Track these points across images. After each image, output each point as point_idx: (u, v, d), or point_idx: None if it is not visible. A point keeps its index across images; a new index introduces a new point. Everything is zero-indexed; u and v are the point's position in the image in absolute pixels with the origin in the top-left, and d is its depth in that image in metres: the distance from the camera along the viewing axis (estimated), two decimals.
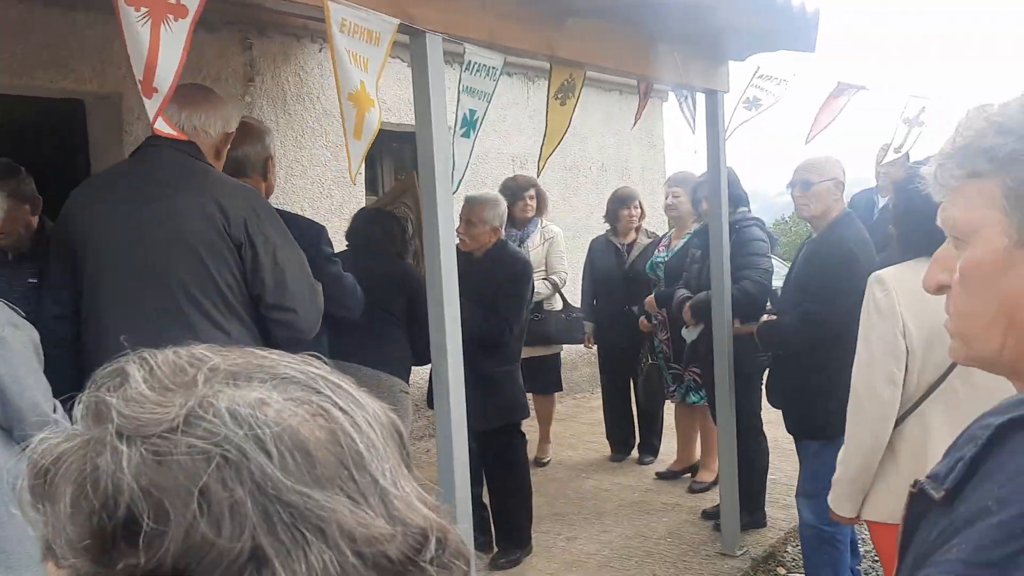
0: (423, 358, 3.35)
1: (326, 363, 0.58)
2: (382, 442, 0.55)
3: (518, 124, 7.00)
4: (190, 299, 2.34)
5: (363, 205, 5.75)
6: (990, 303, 0.86)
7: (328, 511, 0.49)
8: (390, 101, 5.38)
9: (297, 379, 0.55)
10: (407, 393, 3.67)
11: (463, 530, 2.24)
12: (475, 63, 2.90)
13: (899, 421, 2.36)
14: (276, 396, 0.52)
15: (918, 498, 0.79)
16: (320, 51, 5.47)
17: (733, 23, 3.67)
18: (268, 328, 2.50)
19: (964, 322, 0.90)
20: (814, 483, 3.32)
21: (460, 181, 3.00)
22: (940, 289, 0.93)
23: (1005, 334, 0.86)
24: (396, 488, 0.53)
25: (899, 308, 2.30)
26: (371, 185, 6.05)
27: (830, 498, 2.56)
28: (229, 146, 2.62)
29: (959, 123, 0.91)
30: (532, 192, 5.51)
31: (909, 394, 2.34)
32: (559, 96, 3.38)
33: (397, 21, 2.47)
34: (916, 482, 0.79)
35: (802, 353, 3.49)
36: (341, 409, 0.54)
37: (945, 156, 0.90)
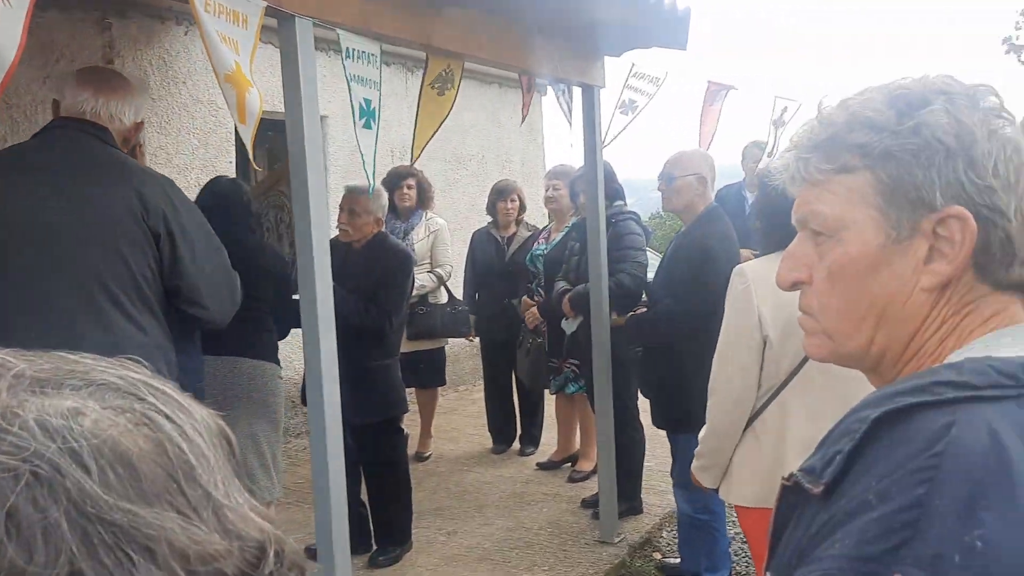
0: (285, 332, 3.40)
1: (146, 367, 0.53)
2: (212, 451, 0.51)
3: (397, 114, 6.90)
4: (105, 291, 2.25)
5: None
6: (862, 300, 0.86)
7: (156, 529, 0.45)
8: (263, 88, 5.22)
9: (116, 385, 0.50)
10: (282, 378, 3.63)
11: (338, 529, 2.17)
12: (355, 50, 2.82)
13: (761, 408, 2.45)
14: (93, 404, 0.47)
15: (792, 491, 0.79)
16: (186, 34, 5.22)
17: (606, 18, 3.71)
18: (178, 318, 2.45)
19: (832, 319, 0.89)
20: (687, 474, 3.43)
21: (374, 175, 2.94)
22: (795, 286, 0.91)
23: (874, 331, 0.86)
24: (229, 500, 0.49)
25: (756, 300, 2.38)
26: (243, 174, 5.83)
27: (692, 465, 2.67)
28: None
29: (818, 116, 0.91)
30: (411, 181, 5.44)
31: (770, 383, 2.43)
32: (435, 86, 3.34)
33: (264, 3, 2.37)
34: (791, 475, 0.79)
35: (665, 347, 3.57)
36: (167, 417, 0.49)
37: (807, 150, 0.89)
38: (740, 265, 2.49)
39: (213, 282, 2.45)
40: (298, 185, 2.57)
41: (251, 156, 2.36)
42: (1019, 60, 21.97)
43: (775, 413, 2.42)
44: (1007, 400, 0.73)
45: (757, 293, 2.37)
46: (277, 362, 3.53)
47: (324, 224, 2.62)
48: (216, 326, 2.56)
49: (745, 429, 2.48)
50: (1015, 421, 0.71)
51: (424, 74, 3.32)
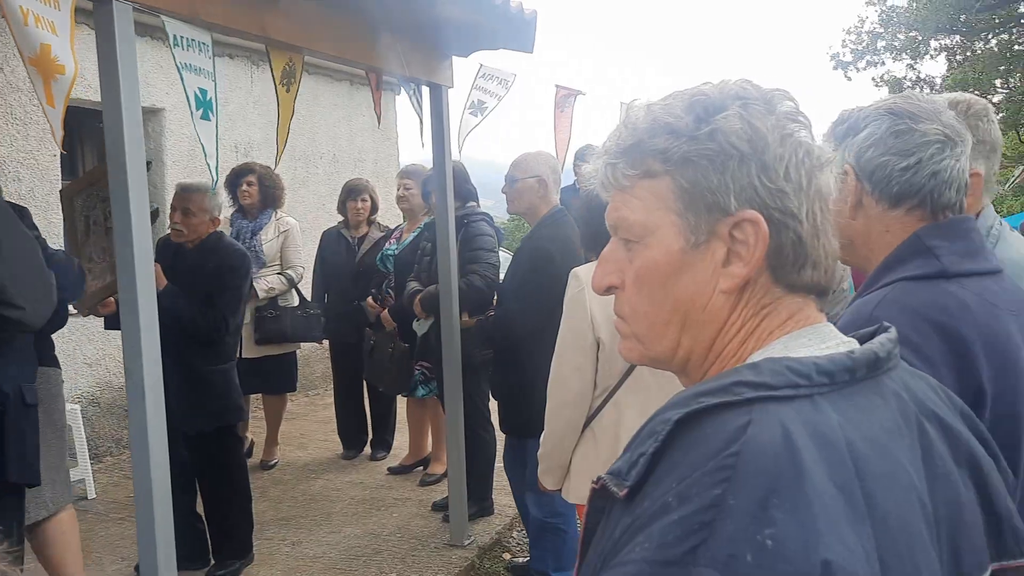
0: (58, 324, 3.13)
1: None
2: None
3: (242, 110, 6.63)
4: None
5: (59, 188, 5.16)
6: (666, 303, 0.87)
7: None
8: (89, 76, 4.88)
9: None
10: (63, 382, 3.43)
11: (163, 544, 2.01)
12: (183, 38, 2.65)
13: (598, 409, 2.49)
14: None
15: (600, 494, 0.78)
16: (2, 16, 4.80)
17: (452, 17, 3.68)
18: None
19: (641, 323, 0.89)
20: (536, 478, 3.44)
21: (217, 168, 2.79)
22: (609, 291, 0.92)
23: (680, 333, 0.87)
24: None
25: (588, 302, 2.41)
26: (70, 168, 5.44)
27: (539, 470, 2.67)
28: None
29: (624, 120, 0.90)
30: (251, 178, 5.23)
31: (605, 383, 2.47)
32: (284, 82, 3.21)
33: None
34: (599, 478, 0.78)
35: (512, 351, 3.57)
36: None
37: (614, 155, 0.89)
38: (575, 268, 2.52)
39: (24, 280, 2.29)
40: (116, 179, 2.39)
41: (59, 141, 2.18)
42: (845, 76, 23.62)
43: (611, 413, 2.45)
44: (801, 399, 0.75)
45: (590, 296, 2.40)
46: (57, 364, 3.29)
47: (145, 220, 2.45)
48: (31, 328, 2.41)
49: (584, 430, 2.51)
50: (808, 420, 0.73)
51: (271, 70, 3.19)
